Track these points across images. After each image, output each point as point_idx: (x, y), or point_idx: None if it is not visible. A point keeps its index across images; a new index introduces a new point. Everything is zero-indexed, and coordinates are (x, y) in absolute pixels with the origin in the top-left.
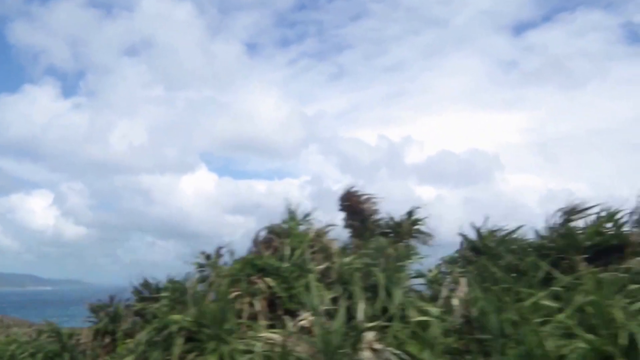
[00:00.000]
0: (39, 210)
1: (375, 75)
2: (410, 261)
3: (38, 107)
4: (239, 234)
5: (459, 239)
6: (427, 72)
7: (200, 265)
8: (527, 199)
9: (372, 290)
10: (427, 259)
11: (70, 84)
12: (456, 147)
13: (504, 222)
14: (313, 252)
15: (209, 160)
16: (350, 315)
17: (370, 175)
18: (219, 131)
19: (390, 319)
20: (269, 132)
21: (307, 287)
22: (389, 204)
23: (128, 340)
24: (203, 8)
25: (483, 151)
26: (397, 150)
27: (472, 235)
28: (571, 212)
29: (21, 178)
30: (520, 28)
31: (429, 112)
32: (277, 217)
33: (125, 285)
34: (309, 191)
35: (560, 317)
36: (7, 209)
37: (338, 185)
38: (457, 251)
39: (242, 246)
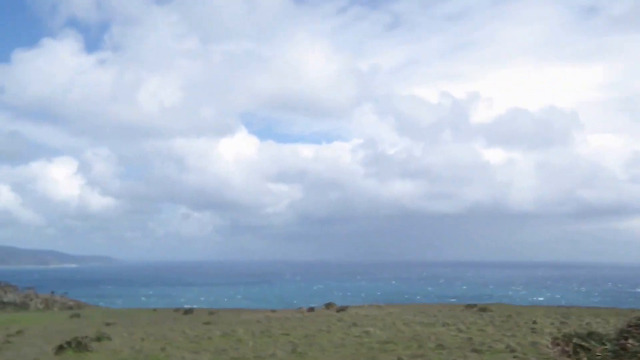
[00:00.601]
0: (61, 179)
1: (435, 25)
2: None
3: (58, 64)
4: (282, 205)
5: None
6: (495, 20)
7: None
8: (609, 162)
9: None
10: None
11: (93, 36)
12: (529, 105)
13: (583, 188)
14: None
15: (249, 122)
16: None
17: (432, 137)
18: (261, 89)
19: None
20: (316, 89)
21: None
22: (454, 170)
23: None
24: None
25: (560, 109)
26: (461, 108)
27: None
28: None
29: (41, 143)
30: None
31: (497, 66)
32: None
33: (158, 263)
34: (361, 156)
35: None
36: (26, 179)
37: (394, 149)
38: None
39: (286, 218)
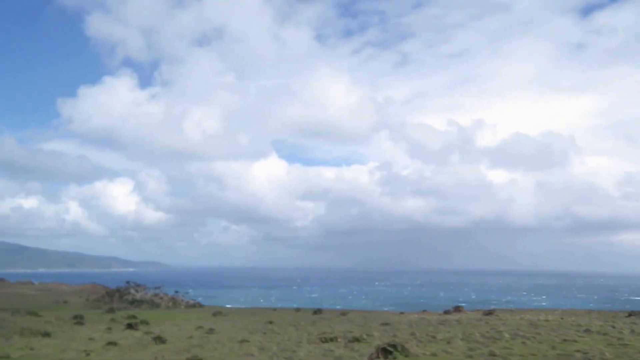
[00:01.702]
0: (120, 196)
1: (439, 63)
2: None
3: (117, 98)
4: (309, 219)
5: (529, 223)
6: (493, 57)
7: None
8: (603, 181)
9: None
10: None
11: (145, 74)
12: (529, 130)
13: (579, 205)
14: None
15: (279, 148)
16: None
17: (441, 160)
18: (290, 118)
19: None
20: (338, 118)
21: None
22: (461, 189)
23: None
24: None
25: (558, 133)
26: (467, 134)
27: None
28: None
29: (103, 166)
30: (586, 10)
31: (498, 97)
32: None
33: (201, 268)
34: (378, 177)
35: None
36: (92, 196)
37: (407, 171)
38: None
39: (311, 231)
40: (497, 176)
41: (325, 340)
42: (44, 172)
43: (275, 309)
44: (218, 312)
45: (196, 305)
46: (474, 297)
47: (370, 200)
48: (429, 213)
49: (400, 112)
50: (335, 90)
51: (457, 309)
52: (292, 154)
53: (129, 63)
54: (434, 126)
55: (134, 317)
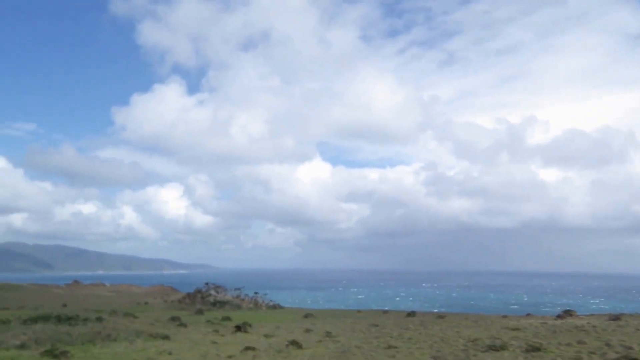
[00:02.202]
0: (171, 201)
1: (487, 60)
2: None
3: (166, 105)
4: (353, 221)
5: (584, 223)
6: (545, 52)
7: None
8: None
9: None
10: None
11: (193, 80)
12: (585, 126)
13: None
14: None
15: (322, 150)
16: None
17: (489, 159)
18: (334, 120)
19: None
20: (382, 118)
21: None
22: (510, 188)
23: None
24: None
25: (616, 129)
26: (517, 132)
27: None
28: None
29: (154, 172)
30: None
31: (549, 93)
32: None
33: (248, 270)
34: (423, 177)
35: None
36: (144, 201)
37: (453, 171)
38: None
39: (356, 233)
40: (550, 175)
41: (496, 349)
42: (100, 179)
43: (359, 311)
44: (309, 314)
45: (276, 307)
46: (526, 299)
47: (415, 201)
48: (476, 213)
49: (446, 111)
50: (380, 90)
51: (568, 312)
52: (335, 156)
53: (177, 70)
54: (481, 124)
55: (228, 318)
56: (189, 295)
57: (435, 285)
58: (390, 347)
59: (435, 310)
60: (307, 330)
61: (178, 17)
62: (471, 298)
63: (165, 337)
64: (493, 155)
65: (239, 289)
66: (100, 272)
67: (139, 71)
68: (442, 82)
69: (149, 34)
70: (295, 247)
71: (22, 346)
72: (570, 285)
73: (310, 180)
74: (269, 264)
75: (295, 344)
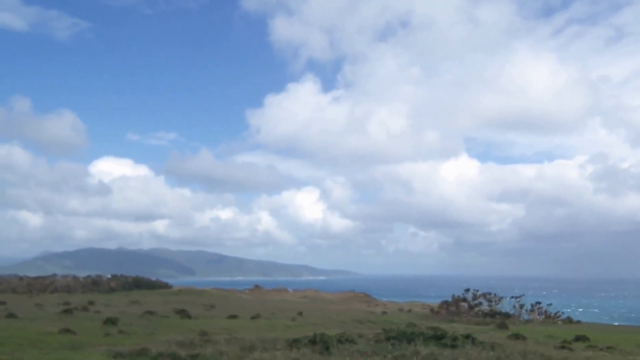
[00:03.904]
0: (307, 205)
1: None
2: None
3: (300, 104)
4: (506, 223)
5: None
6: None
7: None
8: None
9: None
10: None
11: (328, 76)
12: None
13: None
14: None
15: (469, 146)
16: None
17: None
18: (483, 109)
19: None
20: (541, 104)
21: None
22: None
23: None
24: None
25: None
26: None
27: None
28: None
29: (290, 175)
30: None
31: None
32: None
33: (390, 276)
34: (589, 171)
35: None
36: (280, 206)
37: (627, 163)
38: None
39: (509, 236)
40: None
41: None
42: (236, 184)
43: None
44: None
45: (571, 322)
46: None
47: (579, 200)
48: None
49: (616, 95)
50: (537, 74)
51: None
52: (485, 152)
53: (311, 66)
54: None
55: (550, 336)
56: (447, 303)
57: (613, 294)
58: None
59: None
60: None
61: (312, 8)
62: None
63: None
64: None
65: (518, 297)
66: (240, 277)
67: (272, 70)
68: (610, 62)
69: (282, 29)
70: (439, 252)
71: None
72: None
73: (456, 179)
74: (411, 269)
75: None
